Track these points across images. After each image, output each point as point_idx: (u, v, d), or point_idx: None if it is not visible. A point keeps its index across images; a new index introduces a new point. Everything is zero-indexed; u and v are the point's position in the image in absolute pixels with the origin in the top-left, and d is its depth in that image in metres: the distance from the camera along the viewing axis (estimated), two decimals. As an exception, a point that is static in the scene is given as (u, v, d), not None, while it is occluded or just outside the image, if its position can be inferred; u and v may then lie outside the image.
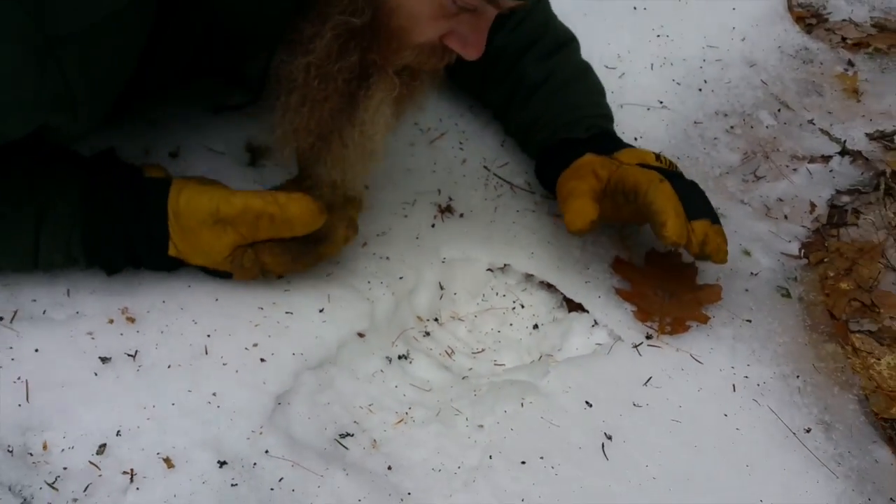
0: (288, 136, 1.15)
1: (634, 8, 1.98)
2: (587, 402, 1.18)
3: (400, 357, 1.22)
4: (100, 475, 0.91)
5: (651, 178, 1.29)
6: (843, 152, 1.78)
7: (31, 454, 0.91)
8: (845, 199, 1.73)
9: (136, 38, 1.01)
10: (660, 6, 1.99)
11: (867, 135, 1.86)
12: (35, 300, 1.07)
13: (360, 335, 1.20)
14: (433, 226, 1.44)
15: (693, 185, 1.37)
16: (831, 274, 1.59)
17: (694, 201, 1.32)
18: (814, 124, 1.86)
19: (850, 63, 2.03)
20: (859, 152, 1.79)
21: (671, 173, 1.35)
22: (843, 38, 2.11)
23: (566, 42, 1.54)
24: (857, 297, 1.56)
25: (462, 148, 1.60)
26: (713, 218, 1.32)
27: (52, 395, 0.96)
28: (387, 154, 1.46)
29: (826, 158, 1.80)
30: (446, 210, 1.48)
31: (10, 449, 0.91)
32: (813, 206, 1.71)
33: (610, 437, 1.14)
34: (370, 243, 1.35)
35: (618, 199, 1.32)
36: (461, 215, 1.47)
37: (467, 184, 1.54)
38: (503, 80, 1.53)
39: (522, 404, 1.15)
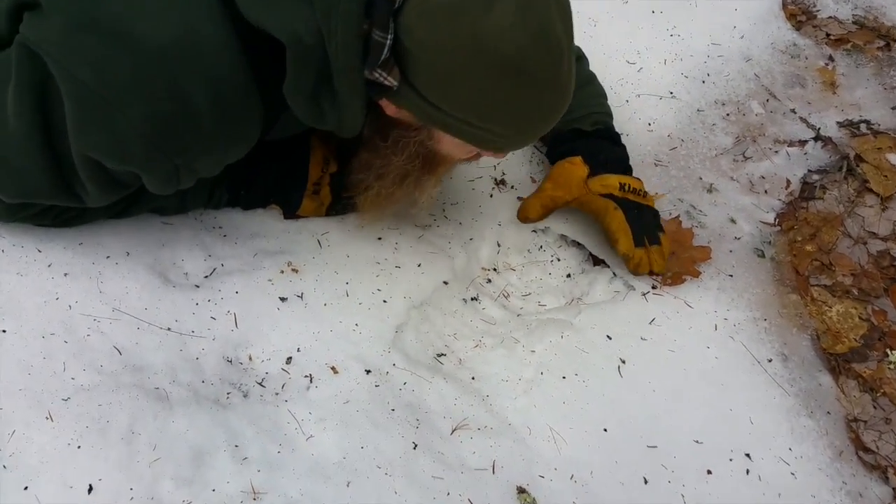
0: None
1: (652, 11, 2.26)
2: (607, 336, 1.57)
3: (472, 299, 1.61)
4: (289, 377, 1.33)
5: (607, 206, 1.68)
6: (817, 138, 2.08)
7: (241, 363, 1.33)
8: (815, 177, 2.03)
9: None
10: (673, 9, 2.27)
11: (838, 123, 2.15)
12: (226, 262, 1.46)
13: (445, 283, 1.60)
14: (491, 196, 1.80)
15: (640, 214, 1.70)
16: (799, 239, 1.91)
17: (638, 231, 1.68)
18: (795, 113, 2.15)
19: (831, 58, 2.31)
20: (830, 138, 2.09)
21: (626, 202, 1.69)
22: (828, 35, 2.38)
23: (579, 56, 1.86)
24: (818, 257, 1.88)
25: None
26: (653, 239, 1.69)
27: (251, 322, 1.37)
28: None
29: (803, 143, 2.10)
30: (501, 183, 1.84)
31: (229, 359, 1.32)
32: (788, 182, 2.02)
33: (624, 361, 1.53)
34: (448, 210, 1.73)
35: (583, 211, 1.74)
36: (512, 187, 1.84)
37: (516, 161, 1.89)
38: None
39: (562, 336, 1.55)
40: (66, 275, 1.31)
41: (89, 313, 1.27)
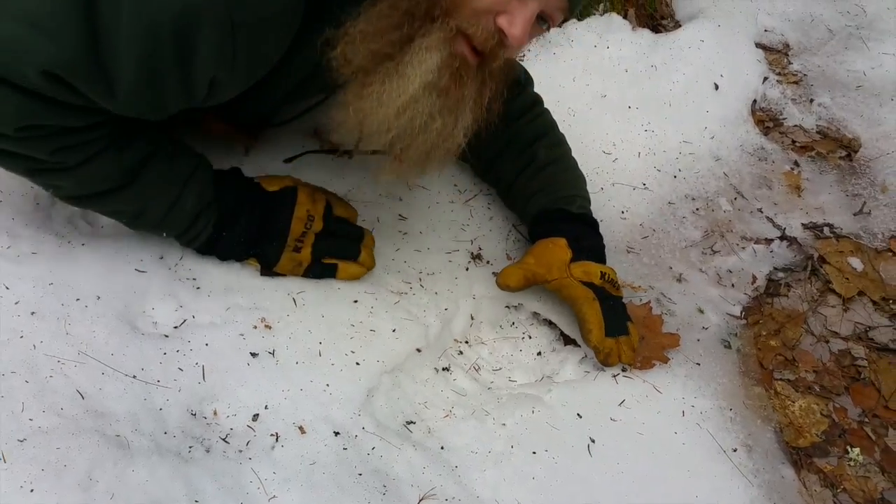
0: (348, 57, 1.31)
1: (629, 107, 2.35)
2: (578, 414, 1.57)
3: (444, 369, 1.60)
4: (255, 435, 1.29)
5: (587, 296, 1.70)
6: (783, 237, 2.16)
7: (206, 417, 1.29)
8: (780, 275, 2.10)
9: (281, 42, 1.27)
10: (649, 107, 2.36)
11: (803, 224, 2.22)
12: (197, 314, 1.44)
13: (418, 350, 1.58)
14: (467, 269, 1.81)
15: (614, 306, 1.73)
16: (764, 333, 1.95)
17: (611, 322, 1.70)
18: (762, 212, 2.23)
19: (797, 164, 2.42)
20: (795, 238, 2.16)
21: (604, 293, 1.72)
22: (794, 141, 2.50)
23: (565, 142, 1.92)
24: (782, 353, 1.92)
25: (489, 207, 1.97)
26: (622, 331, 1.71)
27: (219, 376, 1.33)
28: (434, 204, 1.88)
29: (769, 241, 2.17)
30: (477, 257, 1.86)
31: (194, 412, 1.28)
32: (754, 278, 2.07)
33: (594, 441, 1.52)
34: (424, 280, 1.73)
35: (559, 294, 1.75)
36: (488, 262, 1.85)
37: (493, 237, 1.92)
38: (519, 156, 1.86)
39: (533, 411, 1.54)
40: (32, 314, 1.27)
41: (54, 354, 1.23)
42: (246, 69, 1.27)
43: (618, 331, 1.71)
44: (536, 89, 1.97)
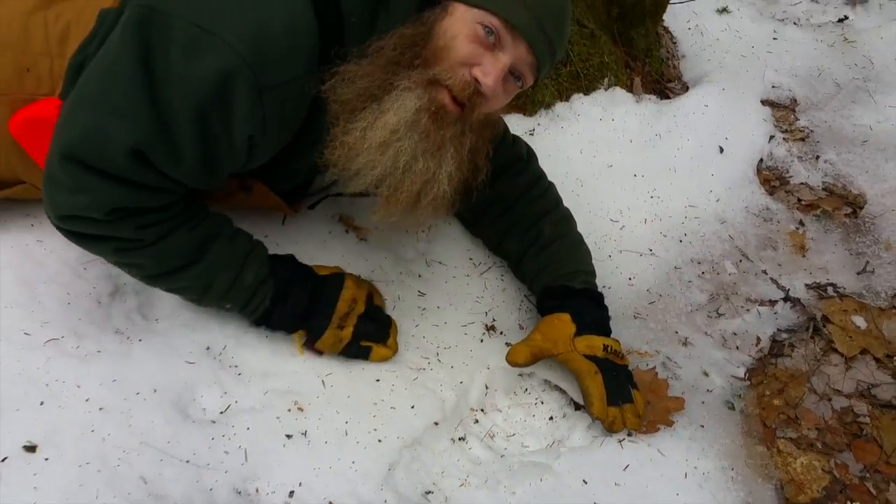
0: (337, 93, 1.49)
1: (634, 175, 2.49)
2: (584, 480, 1.70)
3: (460, 439, 1.76)
4: (291, 510, 1.49)
5: (589, 369, 1.84)
6: (787, 298, 2.26)
7: (249, 494, 1.48)
8: (784, 335, 2.20)
9: (302, 103, 1.50)
10: (654, 174, 2.51)
11: (806, 285, 2.33)
12: (239, 399, 1.63)
13: (436, 423, 1.75)
14: (482, 340, 1.97)
15: (618, 376, 1.86)
16: (767, 393, 2.05)
17: (614, 392, 1.83)
18: (766, 274, 2.34)
19: (801, 223, 2.53)
20: (798, 299, 2.27)
21: (607, 364, 1.85)
22: (799, 200, 2.61)
23: (570, 217, 2.09)
24: (785, 411, 2.01)
25: (503, 279, 2.13)
26: (626, 399, 1.84)
27: (259, 457, 1.52)
28: (451, 278, 2.05)
29: (773, 303, 2.27)
30: (491, 328, 2.02)
31: (239, 491, 1.47)
32: (759, 339, 2.18)
33: None
34: (441, 354, 1.90)
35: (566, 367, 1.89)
36: (501, 332, 2.01)
37: (506, 307, 2.07)
38: (525, 233, 2.03)
39: (541, 479, 1.68)
40: (100, 409, 1.48)
41: (120, 445, 1.43)
42: (276, 129, 1.49)
43: (622, 398, 1.84)
44: (546, 161, 2.15)
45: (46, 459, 1.37)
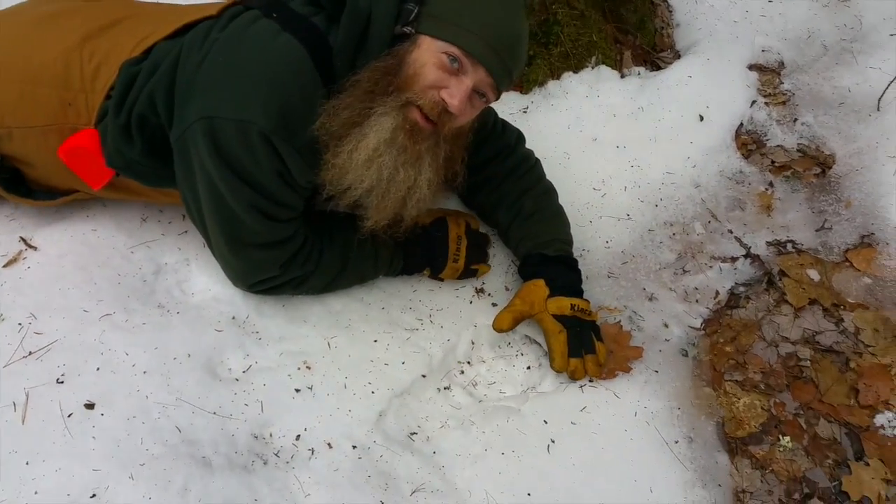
0: (326, 126, 1.79)
1: (617, 147, 2.72)
2: (544, 420, 2.02)
3: (445, 388, 2.09)
4: (297, 450, 1.84)
5: (554, 329, 2.13)
6: (747, 255, 2.50)
7: (264, 439, 1.85)
8: (741, 289, 2.44)
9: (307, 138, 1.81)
10: (636, 145, 2.73)
11: (767, 242, 2.55)
12: (258, 360, 2.00)
13: (423, 376, 2.09)
14: (471, 302, 2.29)
15: (581, 331, 2.14)
16: (721, 341, 2.31)
17: (577, 345, 2.12)
18: (731, 233, 2.56)
19: (771, 184, 2.72)
20: (757, 255, 2.50)
21: (573, 321, 2.14)
22: (773, 162, 2.79)
23: (551, 191, 2.38)
24: (734, 357, 2.28)
25: (493, 246, 2.42)
26: (589, 350, 2.13)
27: (273, 408, 1.90)
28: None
29: (734, 259, 2.50)
30: (480, 291, 2.34)
31: (255, 436, 1.84)
32: (717, 293, 2.42)
33: (553, 441, 1.98)
34: (433, 316, 2.23)
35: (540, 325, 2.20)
36: (489, 294, 2.33)
37: (495, 271, 2.37)
38: (510, 207, 2.31)
39: (508, 420, 2.01)
40: (145, 372, 1.88)
41: (160, 401, 1.83)
42: (296, 162, 1.84)
43: (585, 349, 2.14)
44: (537, 137, 2.45)
45: (102, 415, 1.78)
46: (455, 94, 1.78)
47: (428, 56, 1.78)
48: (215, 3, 2.02)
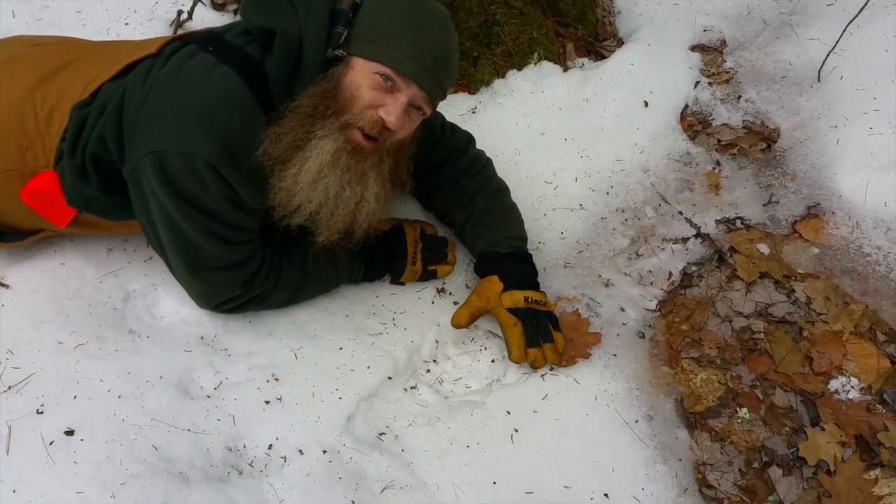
0: (269, 152, 1.88)
1: (565, 139, 2.80)
2: (507, 411, 2.11)
3: (412, 388, 2.19)
4: (270, 459, 1.93)
5: (509, 322, 2.20)
6: (698, 235, 2.58)
7: (238, 450, 1.94)
8: (694, 268, 2.52)
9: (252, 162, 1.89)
10: (583, 135, 2.81)
11: (717, 221, 2.63)
12: (229, 376, 2.08)
13: (389, 378, 2.18)
14: (433, 302, 2.38)
15: (537, 322, 2.20)
16: (676, 320, 2.40)
17: (534, 335, 2.19)
18: (682, 214, 2.64)
19: (718, 163, 2.80)
20: (708, 234, 2.58)
21: (528, 313, 2.21)
22: (719, 141, 2.86)
23: (503, 189, 2.46)
24: (690, 335, 2.36)
25: (458, 249, 2.50)
26: (547, 339, 2.20)
27: (245, 421, 1.99)
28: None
29: (685, 240, 2.58)
30: (441, 291, 2.43)
31: (230, 448, 1.93)
32: (671, 274, 2.51)
33: (517, 430, 2.07)
34: (396, 319, 2.31)
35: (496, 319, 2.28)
36: (450, 293, 2.43)
37: (455, 272, 2.45)
38: (464, 208, 2.39)
39: (472, 414, 2.10)
40: (119, 397, 1.96)
41: (136, 423, 1.92)
42: (245, 188, 1.92)
43: (543, 339, 2.22)
44: (487, 136, 2.54)
45: (82, 440, 1.87)
46: (392, 111, 1.87)
47: (362, 78, 1.87)
48: (155, 39, 2.10)
